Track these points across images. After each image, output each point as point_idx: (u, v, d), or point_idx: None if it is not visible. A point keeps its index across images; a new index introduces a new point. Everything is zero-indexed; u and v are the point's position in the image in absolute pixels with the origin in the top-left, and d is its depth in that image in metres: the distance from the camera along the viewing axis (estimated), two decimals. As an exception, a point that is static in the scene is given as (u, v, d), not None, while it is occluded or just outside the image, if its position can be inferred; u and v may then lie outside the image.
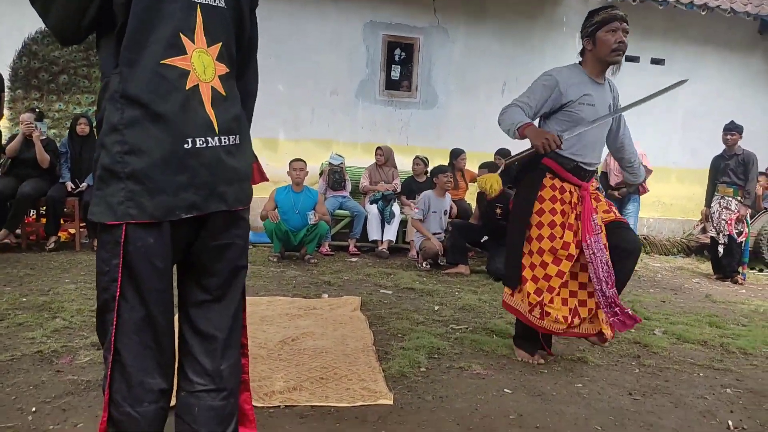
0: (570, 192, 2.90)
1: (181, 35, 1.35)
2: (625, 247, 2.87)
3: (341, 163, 6.66)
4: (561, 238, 2.87)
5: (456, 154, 7.07)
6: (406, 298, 4.42)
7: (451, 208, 6.28)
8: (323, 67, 7.57)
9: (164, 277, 1.38)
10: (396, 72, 8.05)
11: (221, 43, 1.44)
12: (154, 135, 1.31)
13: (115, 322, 1.35)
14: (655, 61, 8.49)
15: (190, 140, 1.35)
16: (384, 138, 7.61)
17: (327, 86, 7.63)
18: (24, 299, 3.72)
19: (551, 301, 2.90)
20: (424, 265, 5.76)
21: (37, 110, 5.88)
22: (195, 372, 1.50)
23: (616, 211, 3.04)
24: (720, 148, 6.27)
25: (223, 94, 1.44)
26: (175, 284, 1.51)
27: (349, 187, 6.74)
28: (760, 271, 6.89)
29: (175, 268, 1.51)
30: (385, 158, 6.84)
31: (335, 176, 6.59)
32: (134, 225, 1.32)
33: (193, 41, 1.37)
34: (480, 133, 7.88)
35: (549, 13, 8.16)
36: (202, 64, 1.38)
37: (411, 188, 6.79)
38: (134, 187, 1.31)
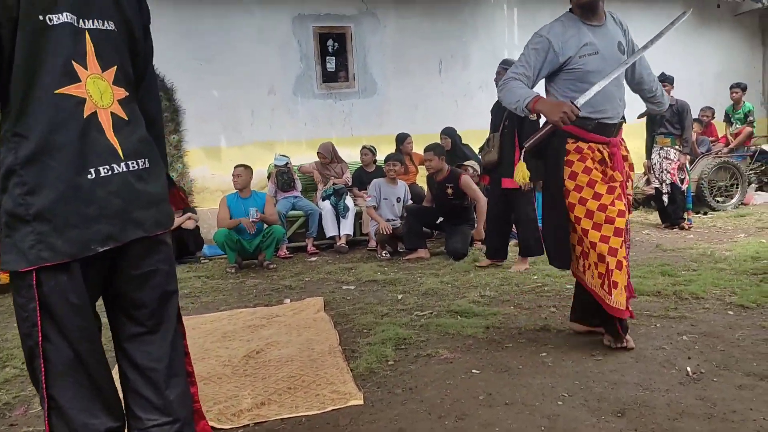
0: (599, 151, 2.68)
1: (73, 62, 1.30)
2: None
3: (287, 164, 6.56)
4: (606, 193, 2.64)
5: (401, 139, 7.07)
6: (368, 291, 4.41)
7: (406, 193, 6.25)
8: (257, 67, 7.41)
9: (84, 313, 1.34)
10: (332, 63, 7.96)
11: (116, 67, 1.40)
12: (54, 169, 1.26)
13: (43, 367, 1.30)
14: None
15: (93, 170, 1.31)
16: (327, 132, 7.54)
17: (263, 86, 7.48)
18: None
19: (618, 266, 2.63)
20: (384, 255, 5.76)
21: None
22: (142, 408, 1.45)
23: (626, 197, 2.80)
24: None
25: (125, 118, 1.40)
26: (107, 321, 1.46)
27: (299, 186, 6.67)
28: (705, 214, 7.16)
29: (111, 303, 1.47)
30: (328, 156, 6.77)
31: (283, 177, 6.50)
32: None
33: (86, 67, 1.32)
34: (423, 115, 7.91)
35: (475, -14, 8.19)
36: (98, 90, 1.34)
37: (362, 179, 6.76)
38: (42, 228, 1.26)
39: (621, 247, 2.64)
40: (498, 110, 4.84)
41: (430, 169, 5.60)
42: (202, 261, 6.13)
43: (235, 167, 5.76)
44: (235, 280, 5.17)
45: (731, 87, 7.93)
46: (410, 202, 6.22)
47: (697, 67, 8.99)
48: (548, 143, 2.74)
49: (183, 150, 7.12)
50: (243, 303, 4.34)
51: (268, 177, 6.86)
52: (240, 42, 7.34)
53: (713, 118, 8.21)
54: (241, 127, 7.41)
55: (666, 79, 6.24)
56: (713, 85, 8.98)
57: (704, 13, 9.08)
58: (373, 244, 6.18)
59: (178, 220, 6.07)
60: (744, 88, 7.83)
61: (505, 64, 4.83)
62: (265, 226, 5.59)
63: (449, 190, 5.51)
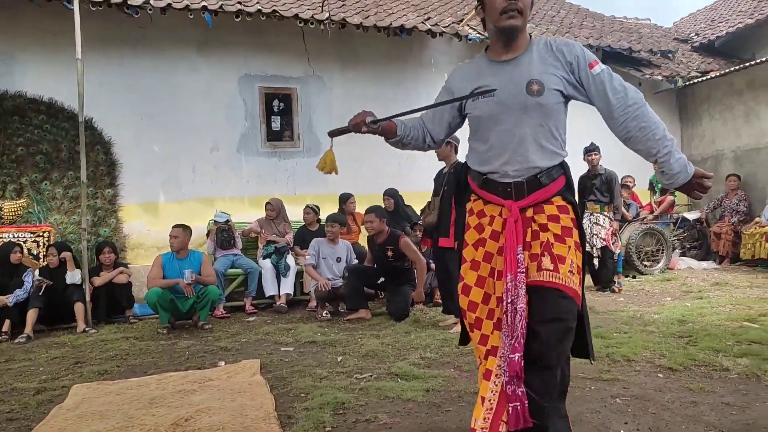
0: (492, 217, 2.11)
1: None
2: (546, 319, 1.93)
3: (228, 221, 6.45)
4: (484, 286, 2.10)
5: (344, 199, 7.12)
6: (308, 353, 4.30)
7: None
8: (201, 123, 7.39)
9: None
10: (277, 123, 8.03)
11: None
12: None
13: None
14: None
15: None
16: (271, 190, 7.52)
17: (207, 142, 7.44)
18: None
19: (485, 375, 2.06)
20: (324, 315, 5.67)
21: None
22: None
23: (551, 265, 1.99)
24: (583, 168, 6.83)
25: None
26: None
27: (239, 244, 6.54)
28: (634, 277, 7.50)
29: None
30: (276, 212, 6.73)
31: (223, 234, 6.37)
32: None
33: None
34: (367, 176, 8.02)
35: (417, 55, 8.58)
36: None
37: (304, 238, 6.71)
38: None
39: (488, 356, 2.04)
40: (439, 176, 5.11)
41: (371, 230, 5.65)
42: (132, 321, 5.82)
43: (172, 228, 5.60)
44: (166, 341, 4.93)
45: (655, 158, 8.49)
46: (355, 261, 6.21)
47: (622, 139, 9.63)
48: (461, 193, 2.34)
49: (118, 204, 6.90)
50: (174, 366, 4.12)
51: (207, 234, 6.71)
52: (185, 99, 7.33)
53: (635, 185, 8.73)
54: (181, 183, 7.29)
55: (594, 149, 6.64)
56: (635, 156, 9.57)
57: (627, 91, 9.84)
58: (313, 303, 6.08)
59: (109, 275, 5.80)
60: (665, 160, 8.41)
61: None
62: (201, 286, 5.41)
63: (389, 252, 5.55)
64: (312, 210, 6.82)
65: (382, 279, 5.75)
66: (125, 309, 5.91)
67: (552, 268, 1.97)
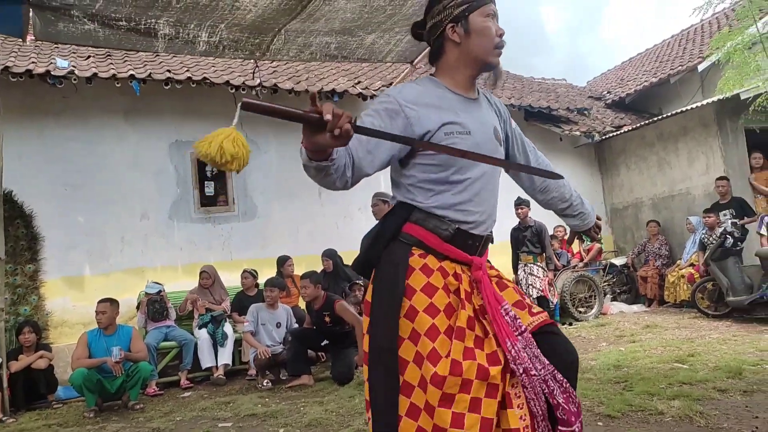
0: (455, 275, 1.74)
1: None
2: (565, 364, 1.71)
3: (160, 291, 6.21)
4: (449, 356, 1.59)
5: (282, 261, 7.03)
6: (247, 428, 4.11)
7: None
8: (129, 192, 7.20)
9: None
10: (210, 187, 7.92)
11: None
12: None
13: None
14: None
15: None
16: (206, 256, 7.33)
17: (136, 211, 7.23)
18: None
19: None
20: (265, 384, 5.47)
21: None
22: None
23: (532, 303, 1.85)
24: (514, 220, 7.08)
25: None
26: None
27: (173, 315, 6.27)
28: (570, 324, 7.69)
29: None
30: (211, 279, 6.54)
31: (155, 306, 6.11)
32: None
33: None
34: (304, 237, 7.99)
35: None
36: None
37: (242, 303, 6.53)
38: None
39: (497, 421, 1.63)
40: None
41: (306, 297, 5.58)
42: (55, 406, 5.39)
43: (98, 303, 5.29)
44: (93, 425, 4.58)
45: (581, 209, 8.94)
46: (295, 325, 6.08)
47: (550, 191, 10.08)
48: (384, 249, 1.76)
49: (40, 280, 6.52)
50: (101, 453, 3.83)
51: (138, 306, 6.40)
52: (113, 167, 7.15)
53: (565, 234, 9.11)
54: (108, 254, 6.99)
55: (523, 202, 6.93)
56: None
57: (548, 145, 10.39)
58: (253, 372, 5.86)
59: (28, 359, 5.39)
60: (590, 210, 8.86)
61: (380, 196, 5.18)
62: (131, 363, 5.12)
63: (327, 318, 5.48)
64: (250, 274, 6.68)
65: (325, 342, 5.64)
66: (46, 394, 5.47)
67: (540, 309, 1.83)
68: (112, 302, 5.30)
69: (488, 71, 1.87)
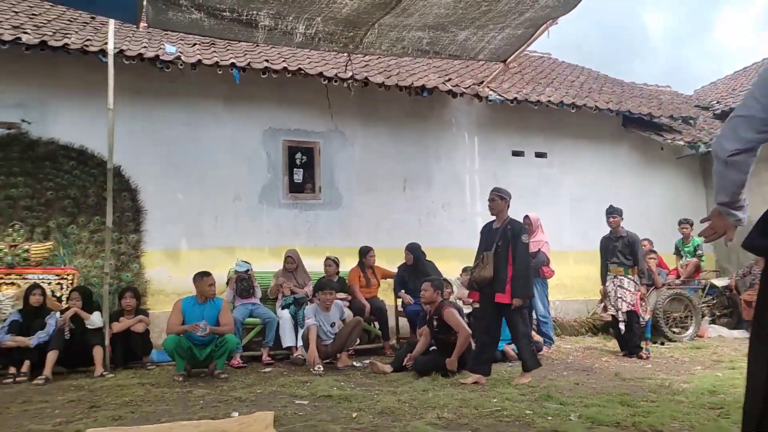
0: None
1: None
2: None
3: (248, 270, 6.47)
4: None
5: (364, 252, 7.12)
6: (322, 408, 4.19)
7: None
8: (224, 174, 7.54)
9: None
10: (299, 175, 8.16)
11: None
12: None
13: None
14: (539, 155, 9.24)
15: None
16: (291, 241, 7.55)
17: (229, 192, 7.56)
18: None
19: None
20: (316, 369, 5.52)
21: None
22: None
23: None
24: (605, 229, 6.77)
25: None
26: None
27: (258, 293, 6.52)
28: (662, 344, 7.27)
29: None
30: (296, 264, 6.75)
31: (242, 284, 6.37)
32: None
33: None
34: (386, 231, 8.06)
35: (438, 114, 8.75)
36: None
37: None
38: None
39: None
40: (489, 231, 5.26)
41: (424, 299, 5.66)
42: (149, 367, 5.77)
43: (207, 275, 5.55)
44: (181, 389, 4.85)
45: (680, 222, 8.42)
46: (349, 316, 6.17)
47: (644, 202, 9.57)
48: None
49: (141, 250, 6.98)
50: (187, 414, 4.03)
51: (227, 282, 6.71)
52: (210, 150, 7.51)
53: (651, 248, 8.61)
54: (202, 231, 7.37)
55: (615, 211, 6.61)
56: (659, 220, 9.46)
57: (647, 154, 9.86)
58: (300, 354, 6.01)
59: (128, 322, 5.80)
60: (692, 224, 8.30)
61: (497, 192, 5.20)
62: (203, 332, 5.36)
63: (434, 323, 5.48)
64: (333, 262, 6.83)
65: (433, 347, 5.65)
66: (141, 356, 5.88)
67: None
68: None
69: None
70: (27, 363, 5.25)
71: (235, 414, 4.03)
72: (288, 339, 6.13)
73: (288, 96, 7.91)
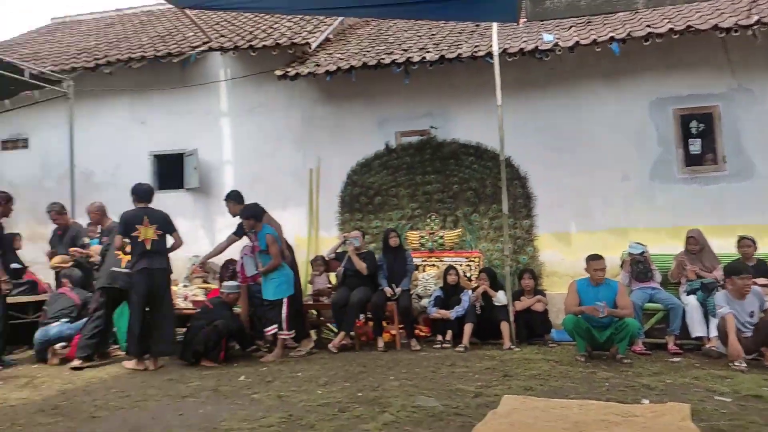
0: None
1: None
2: None
3: (643, 252, 6.13)
4: None
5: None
6: (752, 409, 3.66)
7: None
8: (608, 154, 7.36)
9: None
10: (696, 145, 7.30)
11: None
12: None
13: None
14: None
15: None
16: (691, 219, 6.79)
17: (616, 172, 7.33)
18: (359, 394, 4.22)
19: None
20: (736, 364, 4.80)
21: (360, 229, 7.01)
22: None
23: None
24: None
25: None
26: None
27: (658, 277, 6.10)
28: None
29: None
30: (700, 245, 6.09)
31: (639, 266, 6.07)
32: None
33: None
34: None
35: None
36: None
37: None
38: None
39: None
40: None
41: None
42: (550, 345, 6.10)
43: (594, 259, 5.50)
44: (584, 369, 4.95)
45: None
46: None
47: None
48: None
49: (533, 234, 7.43)
50: (594, 395, 4.10)
51: (621, 265, 6.50)
52: (592, 131, 7.43)
53: None
54: (591, 214, 7.34)
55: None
56: None
57: None
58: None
59: (528, 302, 6.27)
60: None
61: None
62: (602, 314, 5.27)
63: None
64: (751, 242, 5.89)
65: None
66: (542, 333, 6.26)
67: None
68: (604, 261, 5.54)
69: None
70: (449, 332, 6.18)
71: (646, 401, 3.91)
72: (698, 328, 5.55)
73: (676, 60, 7.20)
